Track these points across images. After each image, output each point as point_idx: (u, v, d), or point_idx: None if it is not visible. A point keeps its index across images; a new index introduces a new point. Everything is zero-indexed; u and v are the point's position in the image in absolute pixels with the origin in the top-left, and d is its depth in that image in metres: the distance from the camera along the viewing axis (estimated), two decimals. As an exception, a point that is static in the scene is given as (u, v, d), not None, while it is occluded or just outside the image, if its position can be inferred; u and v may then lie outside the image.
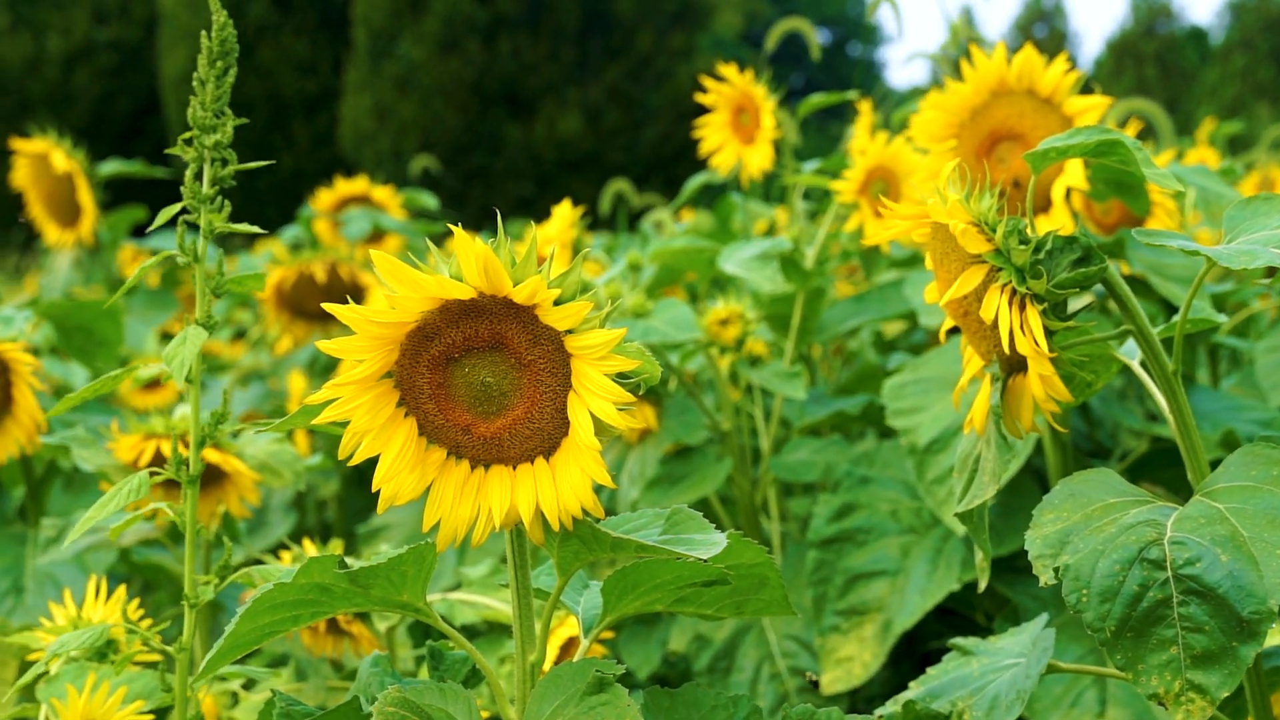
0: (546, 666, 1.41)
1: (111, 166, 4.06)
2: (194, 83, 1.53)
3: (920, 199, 1.48)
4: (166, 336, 4.97)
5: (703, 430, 2.60)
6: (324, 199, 4.53)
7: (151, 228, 1.54)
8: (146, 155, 4.73)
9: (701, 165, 3.71)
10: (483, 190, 20.63)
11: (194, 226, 1.55)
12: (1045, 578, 1.32)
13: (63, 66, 25.67)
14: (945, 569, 2.30)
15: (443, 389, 1.26)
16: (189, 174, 1.53)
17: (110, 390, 1.63)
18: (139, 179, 4.27)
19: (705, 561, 1.29)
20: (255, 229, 1.53)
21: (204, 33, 1.53)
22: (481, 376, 1.25)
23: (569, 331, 1.22)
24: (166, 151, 1.58)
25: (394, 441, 1.26)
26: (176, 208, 1.53)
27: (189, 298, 5.02)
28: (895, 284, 2.89)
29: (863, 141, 2.77)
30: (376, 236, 4.49)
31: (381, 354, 1.23)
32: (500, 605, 2.02)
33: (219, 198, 1.55)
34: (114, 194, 4.02)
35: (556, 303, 1.21)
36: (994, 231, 1.39)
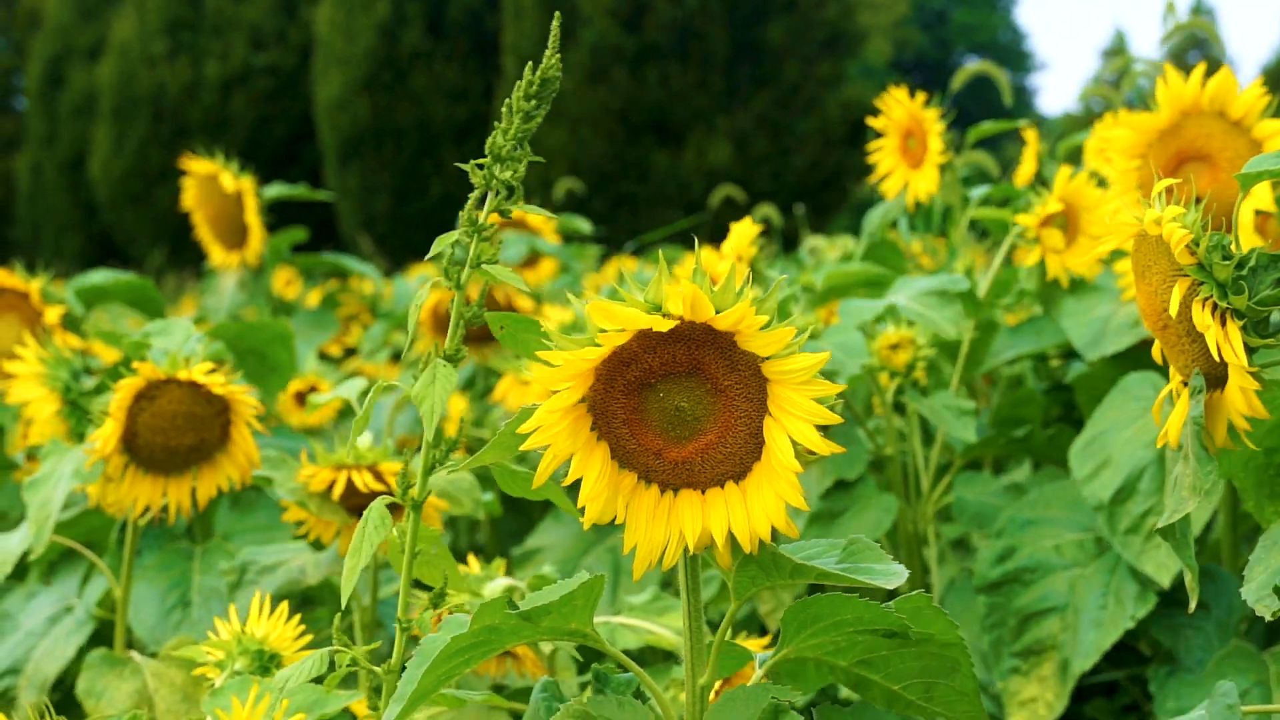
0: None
1: (275, 190, 4.11)
2: (503, 109, 1.52)
3: (1104, 231, 1.48)
4: (324, 356, 5.03)
5: (863, 463, 2.58)
6: (477, 223, 4.56)
7: (430, 255, 1.51)
8: (301, 180, 4.80)
9: (848, 193, 3.70)
10: (630, 217, 20.70)
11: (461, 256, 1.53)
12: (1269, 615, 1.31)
13: (220, 92, 26.12)
14: (1116, 605, 2.28)
15: (636, 414, 1.27)
16: (472, 200, 1.53)
17: (366, 424, 1.65)
18: (293, 202, 4.32)
19: (891, 611, 1.28)
20: (518, 280, 1.51)
21: (529, 64, 1.54)
22: (676, 401, 1.26)
23: (768, 357, 1.23)
24: (463, 165, 1.57)
25: (593, 465, 1.28)
26: (454, 236, 1.53)
27: (347, 318, 5.08)
28: (1049, 314, 2.86)
29: (1029, 169, 2.73)
30: (533, 260, 4.52)
31: (580, 381, 1.25)
32: (661, 630, 2.02)
33: (494, 229, 1.54)
34: (270, 217, 4.08)
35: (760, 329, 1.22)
36: (1198, 246, 1.39)
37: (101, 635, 2.45)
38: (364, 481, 2.14)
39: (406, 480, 1.58)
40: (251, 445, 2.24)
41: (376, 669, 1.59)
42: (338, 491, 2.15)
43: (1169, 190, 1.45)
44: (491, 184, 1.53)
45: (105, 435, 2.15)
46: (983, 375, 3.12)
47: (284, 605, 1.78)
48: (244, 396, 2.19)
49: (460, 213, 1.53)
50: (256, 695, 1.59)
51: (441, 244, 1.51)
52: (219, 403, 2.20)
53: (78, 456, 2.24)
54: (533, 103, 1.52)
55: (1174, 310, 1.40)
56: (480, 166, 1.53)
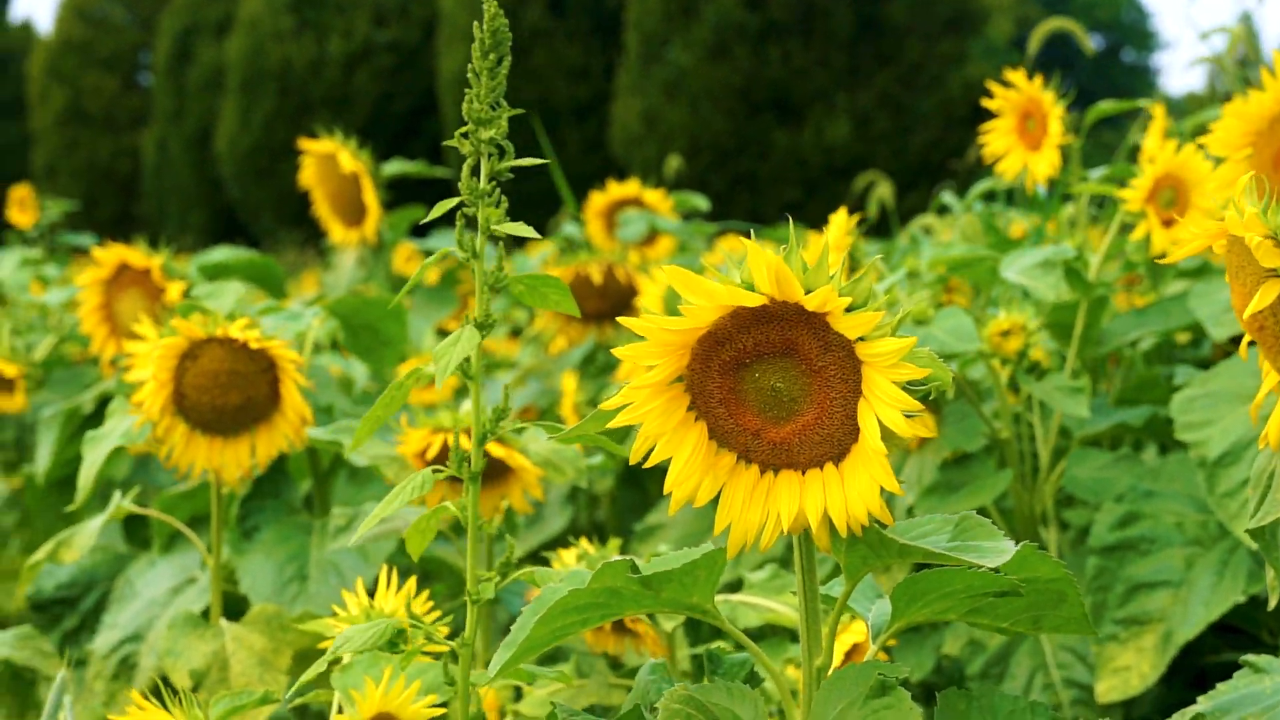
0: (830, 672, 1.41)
1: (394, 167, 4.14)
2: (469, 76, 1.52)
3: (1213, 211, 1.45)
4: (443, 333, 5.05)
5: (981, 438, 2.56)
6: (597, 202, 4.57)
7: (426, 219, 1.53)
8: (422, 155, 4.81)
9: (969, 172, 3.66)
10: (749, 195, 20.66)
11: (472, 223, 1.54)
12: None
13: (343, 68, 26.37)
14: (1231, 580, 2.25)
15: (733, 394, 1.27)
16: (465, 169, 1.52)
17: (401, 403, 1.66)
18: (416, 179, 4.34)
19: (998, 572, 1.27)
20: (530, 231, 1.51)
21: (475, 24, 1.52)
22: (772, 382, 1.25)
23: (860, 339, 1.22)
24: (444, 144, 1.57)
25: (685, 445, 1.28)
26: (453, 202, 1.53)
27: (467, 295, 5.11)
28: (1178, 297, 2.81)
29: (1154, 148, 2.70)
30: (650, 238, 4.52)
31: (673, 359, 1.25)
32: (781, 608, 2.02)
33: (496, 193, 1.54)
34: (392, 194, 4.10)
35: (848, 310, 1.21)
36: (1288, 244, 1.35)
37: (224, 606, 2.49)
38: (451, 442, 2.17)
39: (460, 454, 1.58)
40: (301, 402, 2.23)
41: (450, 643, 1.60)
42: (431, 454, 2.18)
43: (1260, 185, 1.41)
44: (480, 149, 1.52)
45: (148, 395, 2.18)
46: (1109, 356, 3.08)
47: (411, 581, 1.79)
48: (285, 350, 2.19)
49: (459, 183, 1.53)
50: (390, 676, 1.61)
51: (440, 209, 1.52)
52: (261, 359, 2.21)
53: (131, 419, 2.28)
54: (491, 58, 1.51)
55: (1250, 311, 1.37)
56: (466, 136, 1.52)
